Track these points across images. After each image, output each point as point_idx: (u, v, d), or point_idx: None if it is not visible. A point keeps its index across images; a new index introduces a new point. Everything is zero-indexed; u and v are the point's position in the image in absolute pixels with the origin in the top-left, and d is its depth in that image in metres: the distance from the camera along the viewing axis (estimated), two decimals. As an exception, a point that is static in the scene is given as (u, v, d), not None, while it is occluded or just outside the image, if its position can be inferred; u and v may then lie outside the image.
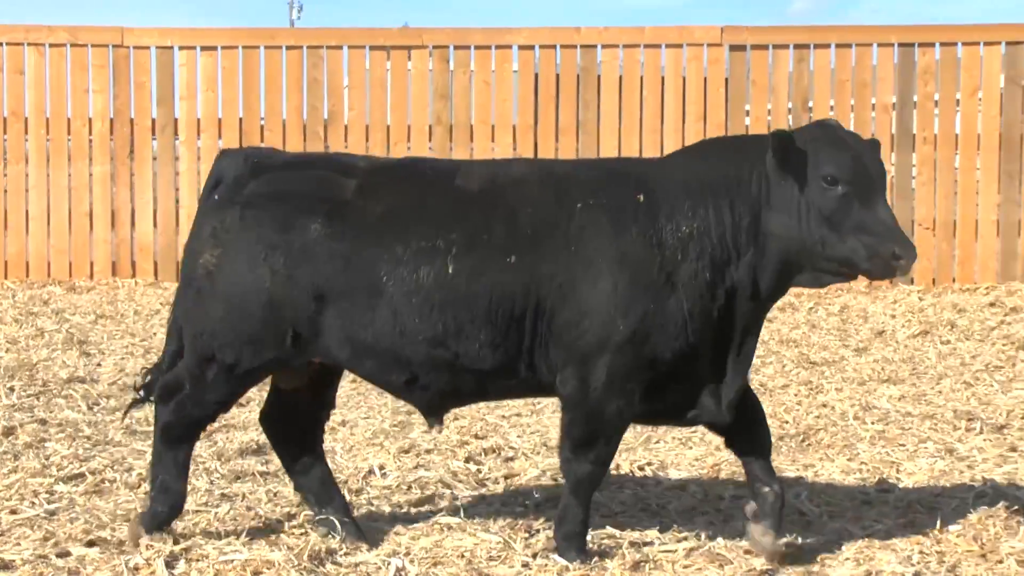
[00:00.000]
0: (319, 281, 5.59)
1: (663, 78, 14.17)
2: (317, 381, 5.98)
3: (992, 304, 12.38)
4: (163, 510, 5.84)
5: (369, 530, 6.00)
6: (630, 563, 5.55)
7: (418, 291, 5.52)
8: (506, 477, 6.96)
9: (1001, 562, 5.69)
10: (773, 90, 14.11)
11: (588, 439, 5.59)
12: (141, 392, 6.11)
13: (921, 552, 5.80)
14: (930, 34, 14.14)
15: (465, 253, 5.52)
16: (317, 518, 5.97)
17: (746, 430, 5.78)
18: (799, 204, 5.48)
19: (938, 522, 6.20)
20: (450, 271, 5.52)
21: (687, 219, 5.52)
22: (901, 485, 6.86)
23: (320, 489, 6.02)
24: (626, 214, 5.52)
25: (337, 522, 5.92)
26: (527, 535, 5.97)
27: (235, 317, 5.67)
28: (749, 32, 14.19)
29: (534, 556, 5.69)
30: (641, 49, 14.19)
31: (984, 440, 7.72)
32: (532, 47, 14.27)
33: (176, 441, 5.85)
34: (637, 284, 5.46)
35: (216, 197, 5.81)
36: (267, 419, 6.12)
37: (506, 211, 5.58)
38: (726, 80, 14.14)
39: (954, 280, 13.74)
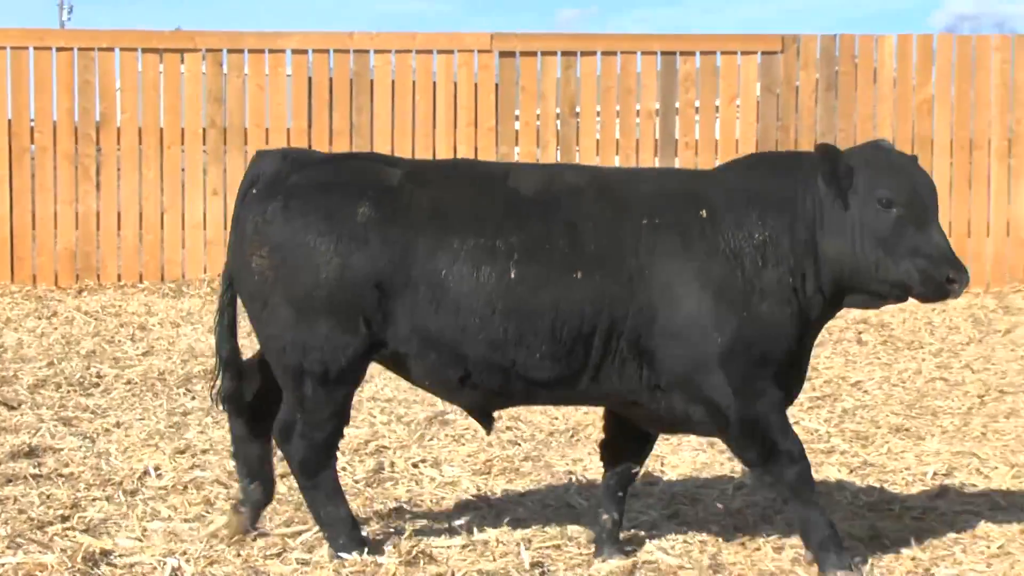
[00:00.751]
0: (377, 267, 5.40)
1: (435, 83, 14.22)
2: None
3: (750, 303, 12.67)
4: (344, 540, 5.62)
5: (148, 531, 5.92)
6: (405, 557, 5.56)
7: (480, 291, 5.36)
8: (282, 476, 6.91)
9: (759, 549, 5.85)
10: (542, 95, 14.26)
11: (765, 447, 5.43)
12: (221, 406, 5.87)
13: (684, 542, 5.93)
14: (691, 43, 14.44)
15: (527, 260, 5.36)
16: (242, 490, 5.90)
17: (634, 450, 5.85)
18: (853, 226, 5.42)
19: (700, 512, 6.35)
20: (512, 277, 5.36)
21: (758, 228, 5.43)
22: (665, 478, 7.00)
23: (257, 465, 5.88)
24: (693, 231, 5.42)
25: (253, 497, 5.87)
26: (303, 533, 5.94)
27: (305, 318, 5.45)
28: (518, 39, 14.31)
29: (310, 552, 5.67)
30: (413, 54, 14.21)
31: (743, 433, 7.91)
32: (305, 51, 14.18)
33: (317, 471, 5.61)
34: (722, 298, 5.35)
35: (255, 193, 5.59)
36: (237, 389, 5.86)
37: (566, 221, 5.43)
38: (496, 85, 14.25)
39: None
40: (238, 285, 5.65)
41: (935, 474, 7.04)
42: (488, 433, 5.85)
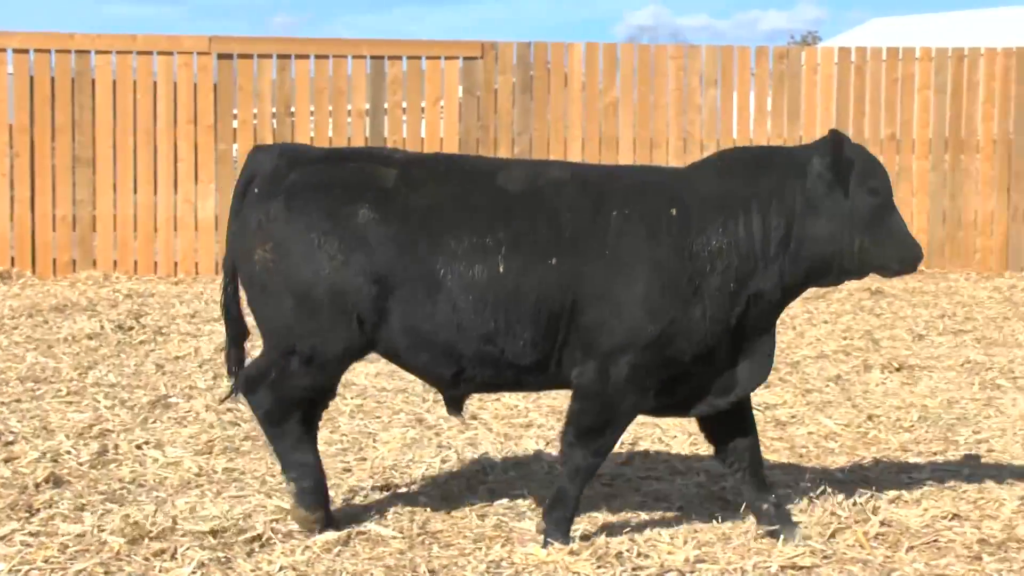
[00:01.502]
0: (375, 266, 5.29)
1: (155, 83, 13.89)
2: None
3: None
4: (308, 484, 5.52)
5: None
6: (130, 535, 5.42)
7: (474, 287, 5.27)
8: (6, 460, 6.66)
9: (464, 517, 5.89)
10: (258, 96, 14.07)
11: (596, 429, 5.39)
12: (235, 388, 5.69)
13: (396, 512, 5.93)
14: (398, 48, 14.45)
15: (513, 252, 5.28)
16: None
17: (741, 445, 5.67)
18: (844, 211, 5.42)
19: (411, 485, 6.36)
20: (501, 270, 5.27)
21: (717, 234, 5.36)
22: (377, 453, 6.98)
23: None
24: (661, 225, 5.35)
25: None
26: (28, 514, 5.74)
27: (304, 307, 5.33)
28: (236, 42, 14.08)
29: (33, 535, 5.47)
30: (133, 55, 13.85)
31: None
32: (27, 51, 13.69)
33: (282, 421, 5.50)
34: (668, 291, 5.30)
35: (256, 191, 5.45)
36: None
37: (548, 212, 5.35)
38: (215, 86, 14.00)
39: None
40: (240, 272, 5.53)
41: (622, 443, 7.19)
42: (458, 416, 5.79)
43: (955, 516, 5.88)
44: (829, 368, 9.42)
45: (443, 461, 6.77)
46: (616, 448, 7.01)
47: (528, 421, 7.75)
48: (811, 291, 11.81)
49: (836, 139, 5.46)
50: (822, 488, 6.24)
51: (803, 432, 7.59)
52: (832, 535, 5.63)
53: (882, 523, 5.77)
